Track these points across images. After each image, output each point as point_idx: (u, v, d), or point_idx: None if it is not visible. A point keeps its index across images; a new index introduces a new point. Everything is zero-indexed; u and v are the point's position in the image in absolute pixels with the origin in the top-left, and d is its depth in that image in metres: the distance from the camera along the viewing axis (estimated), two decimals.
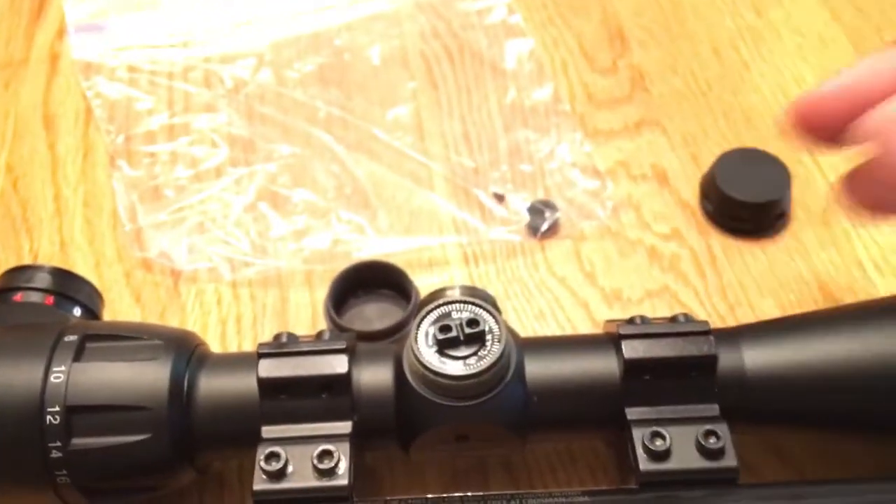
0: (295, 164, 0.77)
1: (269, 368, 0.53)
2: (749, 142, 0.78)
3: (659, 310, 0.68)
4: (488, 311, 0.53)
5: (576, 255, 0.72)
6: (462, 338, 0.52)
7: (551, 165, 0.77)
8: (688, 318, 0.55)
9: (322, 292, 0.68)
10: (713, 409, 0.53)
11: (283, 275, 0.70)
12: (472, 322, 0.52)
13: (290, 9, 0.89)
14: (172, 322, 0.68)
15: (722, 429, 0.51)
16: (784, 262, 0.71)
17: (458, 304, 0.54)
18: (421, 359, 0.51)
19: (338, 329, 0.65)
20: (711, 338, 0.53)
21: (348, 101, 0.82)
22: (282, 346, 0.54)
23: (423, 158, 0.77)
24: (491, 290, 0.68)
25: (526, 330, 0.67)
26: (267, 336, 0.67)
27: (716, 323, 0.67)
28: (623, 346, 0.53)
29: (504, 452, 0.59)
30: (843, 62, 0.82)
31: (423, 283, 0.70)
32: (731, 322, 0.67)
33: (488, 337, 0.52)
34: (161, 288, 0.70)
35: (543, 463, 0.60)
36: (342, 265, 0.70)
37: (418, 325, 0.53)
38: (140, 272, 0.71)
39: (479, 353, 0.52)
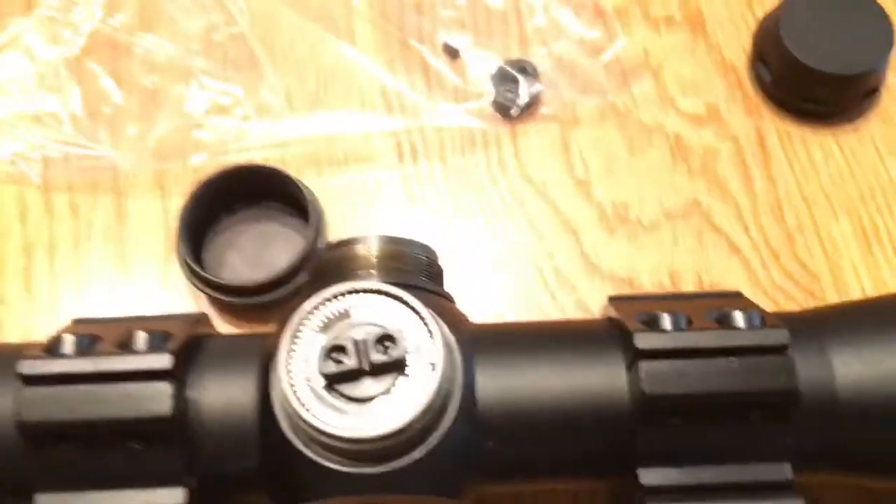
0: None
1: (37, 406, 0.31)
2: None
3: (683, 239, 0.46)
4: (415, 311, 0.31)
5: (563, 148, 0.48)
6: (367, 368, 0.30)
7: (531, 0, 0.51)
8: (749, 316, 0.33)
9: (179, 201, 0.44)
10: (781, 471, 0.32)
11: (120, 175, 0.47)
12: (385, 340, 0.30)
13: None
14: None
15: None
16: (869, 162, 0.49)
17: (364, 297, 0.31)
18: (297, 407, 0.30)
19: (196, 277, 0.42)
20: (791, 357, 0.31)
21: None
22: (60, 363, 0.31)
23: None
24: (434, 204, 0.47)
25: (483, 271, 0.45)
26: (94, 278, 0.45)
27: (766, 262, 0.46)
28: (642, 372, 0.31)
29: None
30: None
31: (335, 187, 0.47)
32: (788, 260, 0.46)
33: (413, 361, 0.30)
34: None
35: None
36: (210, 163, 0.46)
37: (293, 338, 0.30)
38: None
39: (396, 392, 0.30)
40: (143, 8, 0.50)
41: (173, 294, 0.45)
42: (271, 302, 0.43)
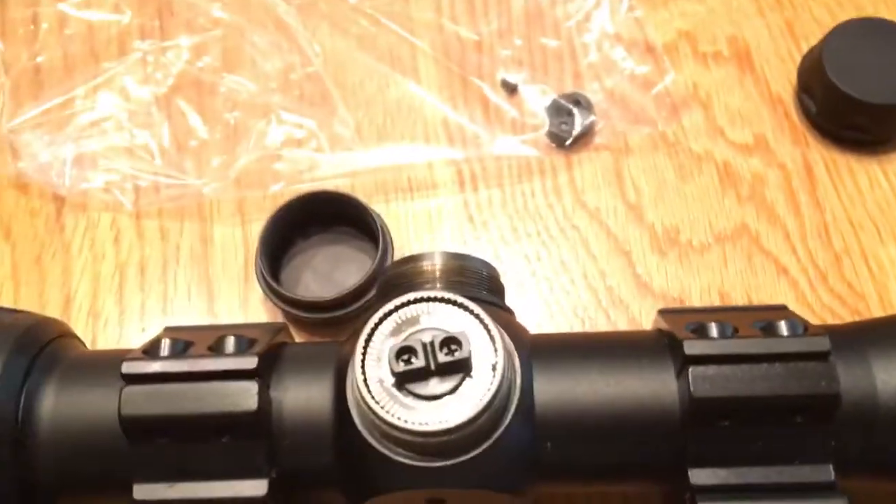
0: (226, 37, 0.55)
1: (137, 402, 0.35)
2: (870, 5, 0.55)
3: (733, 261, 0.48)
4: (477, 317, 0.34)
5: (616, 175, 0.51)
6: (434, 368, 0.33)
7: (586, 38, 0.55)
8: (792, 325, 0.35)
9: (258, 227, 0.48)
10: (825, 472, 0.34)
11: (205, 202, 0.51)
12: (451, 343, 0.33)
13: None
14: (53, 270, 0.49)
15: None
16: None
17: (431, 305, 0.34)
18: (369, 401, 0.32)
19: (274, 294, 0.46)
20: (833, 363, 0.33)
21: None
22: (159, 364, 0.35)
23: (406, 32, 0.54)
24: (494, 229, 0.50)
25: (539, 290, 0.48)
26: (181, 296, 0.49)
27: (814, 284, 0.47)
28: (690, 377, 0.34)
29: None
30: None
31: (401, 212, 0.50)
32: (835, 282, 0.47)
33: (477, 363, 0.33)
34: (39, 218, 0.51)
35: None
36: (287, 191, 0.50)
37: (367, 342, 0.34)
38: (11, 193, 0.52)
39: (462, 392, 0.33)
40: (226, 51, 0.55)
41: (251, 311, 0.48)
42: (341, 317, 0.46)
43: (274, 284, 0.45)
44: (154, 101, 0.53)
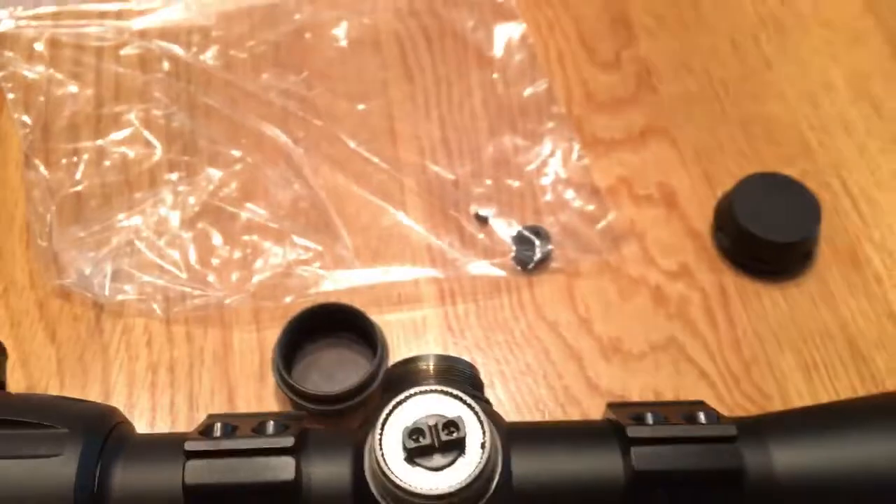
0: (244, 172, 0.65)
1: (198, 473, 0.43)
2: (770, 159, 0.68)
3: (664, 366, 0.59)
4: (469, 406, 0.44)
5: (569, 294, 0.62)
6: (437, 445, 0.42)
7: (542, 181, 0.66)
8: (708, 416, 0.45)
9: (272, 333, 0.57)
10: None
11: (226, 311, 0.60)
12: (451, 426, 0.42)
13: None
14: (94, 368, 0.58)
15: None
16: (807, 310, 0.62)
17: (432, 396, 0.44)
18: (387, 471, 0.42)
19: (289, 389, 0.55)
20: (738, 447, 0.44)
21: (308, 91, 0.70)
22: (214, 443, 0.44)
23: (395, 171, 0.65)
24: (470, 337, 0.60)
25: (508, 387, 0.58)
26: (205, 392, 0.57)
27: (729, 386, 0.58)
28: (633, 455, 0.44)
29: None
30: (877, 64, 0.72)
31: (393, 321, 0.60)
32: (746, 385, 0.58)
33: (469, 442, 0.43)
34: (81, 323, 0.59)
35: None
36: (296, 303, 0.59)
37: (383, 424, 0.43)
38: (57, 302, 0.60)
39: (458, 464, 0.42)
40: (244, 183, 0.65)
41: (265, 406, 0.57)
42: (343, 410, 0.55)
43: (290, 381, 0.54)
44: (182, 225, 0.63)
